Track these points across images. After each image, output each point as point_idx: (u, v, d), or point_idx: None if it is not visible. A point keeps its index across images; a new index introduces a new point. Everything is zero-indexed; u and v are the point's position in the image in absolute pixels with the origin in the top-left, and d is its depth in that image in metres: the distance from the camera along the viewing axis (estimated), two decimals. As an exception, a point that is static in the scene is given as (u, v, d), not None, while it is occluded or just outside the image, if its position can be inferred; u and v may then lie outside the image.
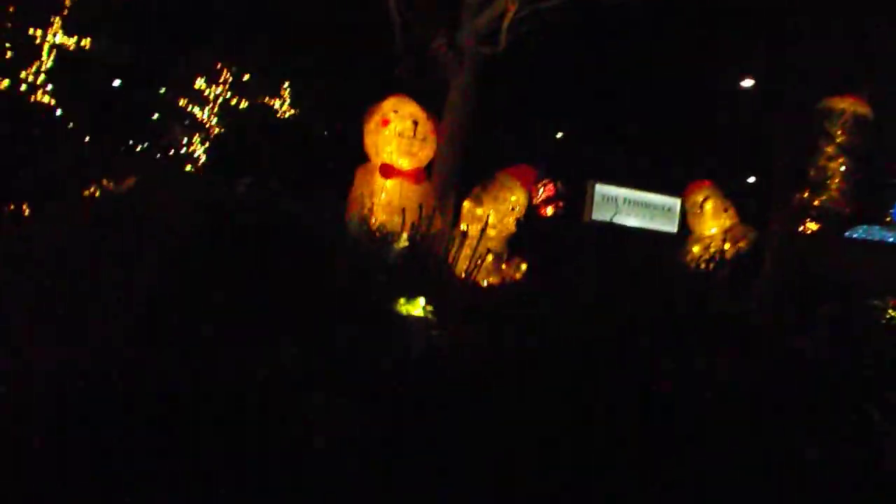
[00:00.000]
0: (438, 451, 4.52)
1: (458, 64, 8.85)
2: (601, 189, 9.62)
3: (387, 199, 8.14)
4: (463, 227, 8.74)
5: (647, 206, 9.97)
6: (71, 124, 15.25)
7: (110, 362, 4.14)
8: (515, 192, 8.81)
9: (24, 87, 17.19)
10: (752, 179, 15.10)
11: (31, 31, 16.98)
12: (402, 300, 6.12)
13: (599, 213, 9.59)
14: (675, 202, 10.22)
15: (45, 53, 17.60)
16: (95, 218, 5.57)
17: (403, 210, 7.82)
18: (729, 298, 9.75)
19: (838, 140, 10.68)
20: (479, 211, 8.66)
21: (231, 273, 5.66)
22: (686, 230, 10.80)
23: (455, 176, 8.99)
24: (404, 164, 8.23)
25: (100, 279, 4.94)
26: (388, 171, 8.20)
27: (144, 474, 3.58)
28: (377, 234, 6.59)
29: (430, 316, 6.19)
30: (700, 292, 9.17)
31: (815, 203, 10.56)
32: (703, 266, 9.67)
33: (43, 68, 17.48)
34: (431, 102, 9.41)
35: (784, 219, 10.80)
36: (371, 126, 8.26)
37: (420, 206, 8.14)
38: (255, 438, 4.04)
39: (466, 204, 8.63)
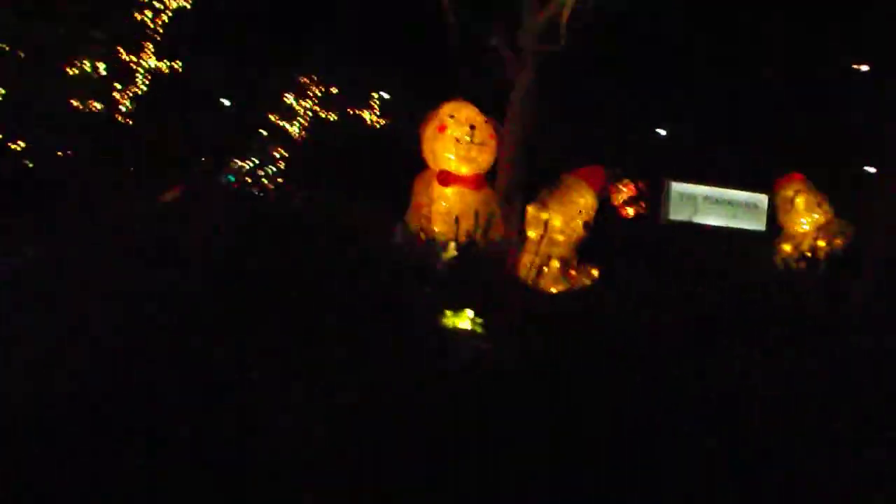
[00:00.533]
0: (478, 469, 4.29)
1: (519, 64, 8.54)
2: (678, 187, 9.08)
3: (446, 206, 7.93)
4: (529, 232, 8.42)
5: (730, 203, 9.35)
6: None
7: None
8: (583, 194, 8.41)
9: (121, 109, 18.03)
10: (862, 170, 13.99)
11: (123, 55, 17.81)
12: (448, 312, 5.90)
13: (677, 213, 9.05)
14: (762, 198, 9.56)
15: (139, 77, 18.43)
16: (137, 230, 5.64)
17: (457, 219, 7.64)
18: (823, 300, 9.07)
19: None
20: (545, 215, 8.30)
21: (269, 283, 5.60)
22: (778, 228, 10.06)
23: (520, 179, 8.67)
24: (463, 170, 8.01)
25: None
26: (446, 178, 8.00)
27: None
28: (426, 243, 6.38)
29: (477, 328, 5.95)
30: (789, 293, 8.57)
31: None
32: (794, 266, 9.00)
33: (136, 91, 18.31)
34: (494, 105, 9.19)
35: (890, 213, 9.89)
36: (428, 132, 8.08)
37: (478, 214, 7.97)
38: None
39: (530, 209, 8.30)
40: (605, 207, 11.45)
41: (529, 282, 8.66)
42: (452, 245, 6.27)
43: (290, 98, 22.93)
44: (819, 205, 9.73)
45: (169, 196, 6.46)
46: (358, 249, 5.99)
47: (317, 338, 5.25)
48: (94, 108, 16.67)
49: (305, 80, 22.71)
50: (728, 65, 12.75)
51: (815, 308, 8.74)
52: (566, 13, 8.13)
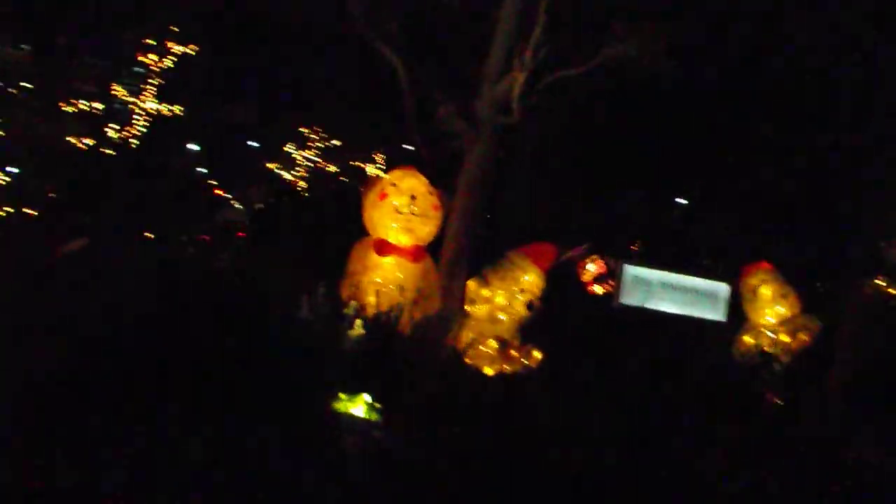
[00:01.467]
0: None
1: (475, 134, 8.36)
2: (632, 270, 8.76)
3: (381, 277, 7.68)
4: (469, 308, 8.13)
5: (687, 290, 8.99)
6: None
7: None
8: (528, 272, 8.13)
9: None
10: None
11: (120, 95, 18.02)
12: (343, 396, 5.60)
13: (630, 297, 8.72)
14: (722, 287, 9.19)
15: (135, 118, 18.62)
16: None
17: (394, 289, 7.39)
18: (782, 400, 8.65)
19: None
20: (485, 292, 8.02)
21: (158, 346, 5.37)
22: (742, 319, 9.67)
23: (467, 253, 8.41)
24: (402, 240, 7.79)
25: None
26: (383, 247, 7.78)
27: None
28: (335, 317, 6.11)
29: (374, 415, 5.63)
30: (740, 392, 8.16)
31: (893, 291, 9.23)
32: (753, 360, 8.62)
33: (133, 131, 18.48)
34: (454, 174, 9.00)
35: (856, 309, 9.50)
36: (370, 199, 7.90)
37: (417, 287, 7.72)
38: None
39: (471, 284, 8.03)
40: (573, 284, 11.12)
41: (468, 360, 8.36)
42: (359, 322, 5.96)
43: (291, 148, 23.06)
44: (784, 296, 9.34)
45: (72, 246, 6.24)
46: (255, 322, 5.71)
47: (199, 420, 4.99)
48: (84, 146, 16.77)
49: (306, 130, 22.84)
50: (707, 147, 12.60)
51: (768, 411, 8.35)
52: (517, 86, 7.95)
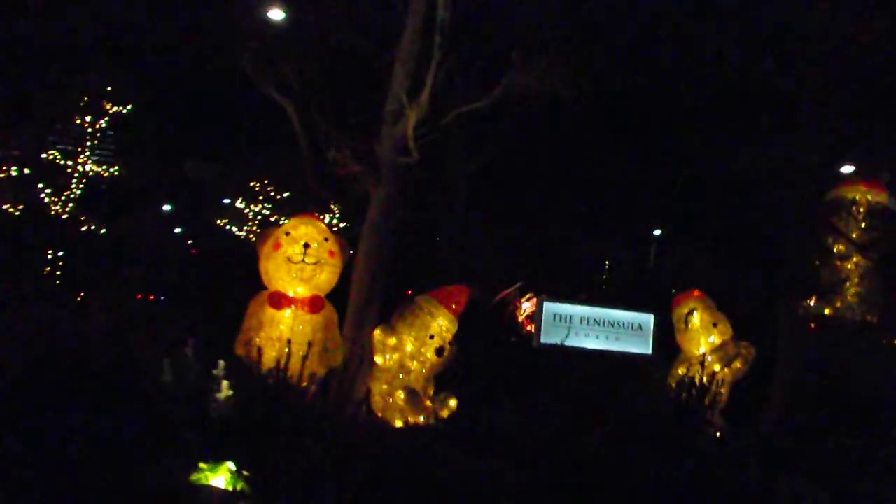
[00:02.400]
0: None
1: (376, 177, 8.07)
2: (551, 307, 8.41)
3: (277, 332, 7.29)
4: (376, 358, 7.74)
5: (611, 324, 8.63)
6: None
7: None
8: (438, 317, 7.78)
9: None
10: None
11: (58, 159, 17.70)
12: (203, 466, 5.17)
13: (550, 335, 8.35)
14: (647, 318, 8.84)
15: (74, 181, 18.27)
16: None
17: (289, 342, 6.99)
18: (713, 435, 8.27)
19: (852, 235, 9.10)
20: (392, 340, 7.65)
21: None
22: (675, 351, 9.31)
23: (375, 300, 8.05)
24: (299, 291, 7.42)
25: None
26: (279, 300, 7.40)
27: None
28: (200, 378, 5.70)
29: (240, 485, 5.20)
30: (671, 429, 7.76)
31: (826, 312, 8.92)
32: (683, 394, 8.24)
33: (72, 195, 18.10)
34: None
35: (790, 332, 9.18)
36: (264, 250, 7.54)
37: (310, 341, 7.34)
38: None
39: (377, 333, 7.67)
40: (506, 324, 10.76)
41: (378, 413, 7.95)
42: (226, 384, 5.55)
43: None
44: (715, 325, 9.01)
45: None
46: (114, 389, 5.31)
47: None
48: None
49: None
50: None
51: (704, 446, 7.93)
52: (410, 126, 7.69)
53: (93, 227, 17.69)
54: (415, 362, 7.80)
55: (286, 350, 6.99)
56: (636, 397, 7.99)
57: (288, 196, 22.85)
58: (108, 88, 18.26)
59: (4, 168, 16.27)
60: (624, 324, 8.68)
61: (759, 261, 10.73)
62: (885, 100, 9.00)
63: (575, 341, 8.44)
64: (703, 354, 8.97)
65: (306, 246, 7.37)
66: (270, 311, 7.39)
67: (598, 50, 8.27)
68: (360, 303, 8.05)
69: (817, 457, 7.58)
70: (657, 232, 18.94)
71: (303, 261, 7.34)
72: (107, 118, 18.74)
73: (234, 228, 22.47)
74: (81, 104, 18.64)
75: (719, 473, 7.13)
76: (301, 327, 7.38)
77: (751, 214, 10.77)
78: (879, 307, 9.20)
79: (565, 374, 8.20)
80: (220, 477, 5.12)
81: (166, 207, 23.16)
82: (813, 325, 9.15)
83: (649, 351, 8.84)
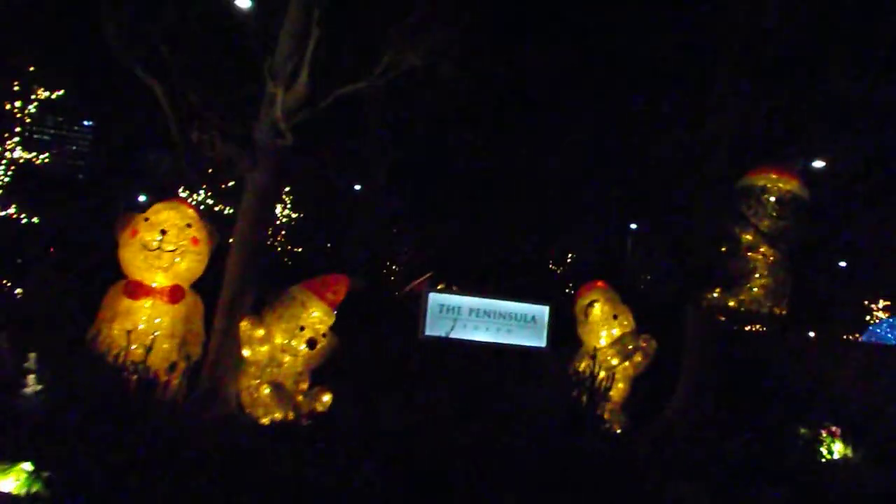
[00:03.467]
0: None
1: (251, 160, 7.71)
2: (437, 298, 8.10)
3: (131, 323, 6.95)
4: (244, 351, 7.40)
5: (503, 316, 8.34)
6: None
7: None
8: (311, 308, 7.45)
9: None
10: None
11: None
12: (-5, 466, 4.83)
13: (437, 328, 8.04)
14: (541, 310, 8.54)
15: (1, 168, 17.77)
16: None
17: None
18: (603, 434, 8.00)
19: (761, 225, 8.83)
20: (259, 332, 7.31)
21: None
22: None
23: (250, 289, 7.70)
24: (158, 279, 7.08)
25: None
26: (135, 289, 7.08)
27: None
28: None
29: (37, 486, 4.86)
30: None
31: (731, 304, 8.65)
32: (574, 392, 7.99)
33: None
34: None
35: (696, 324, 8.92)
36: (123, 238, 7.20)
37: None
38: None
39: (243, 324, 7.32)
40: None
41: (246, 409, 7.62)
42: (32, 378, 5.21)
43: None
44: (615, 317, 8.74)
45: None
46: None
47: None
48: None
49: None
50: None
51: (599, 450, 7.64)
52: (278, 108, 7.35)
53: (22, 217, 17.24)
54: (286, 355, 7.47)
55: (145, 342, 6.73)
56: (520, 392, 7.72)
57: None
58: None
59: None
60: (516, 315, 8.39)
61: (673, 250, 10.46)
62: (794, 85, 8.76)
63: (463, 334, 8.15)
64: (604, 347, 8.73)
65: (163, 232, 7.04)
66: (127, 301, 7.06)
67: (482, 26, 7.93)
68: (233, 293, 7.69)
69: (706, 458, 7.34)
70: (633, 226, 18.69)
71: (159, 248, 7.01)
72: (36, 104, 18.22)
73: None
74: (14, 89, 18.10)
75: (606, 474, 6.87)
76: (160, 319, 7.05)
77: (665, 203, 10.47)
78: (787, 300, 8.93)
79: (448, 368, 7.92)
80: (10, 479, 4.78)
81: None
82: (721, 318, 8.87)
83: (544, 344, 8.55)
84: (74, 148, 19.08)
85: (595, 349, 8.53)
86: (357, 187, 13.16)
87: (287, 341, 7.41)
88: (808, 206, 9.11)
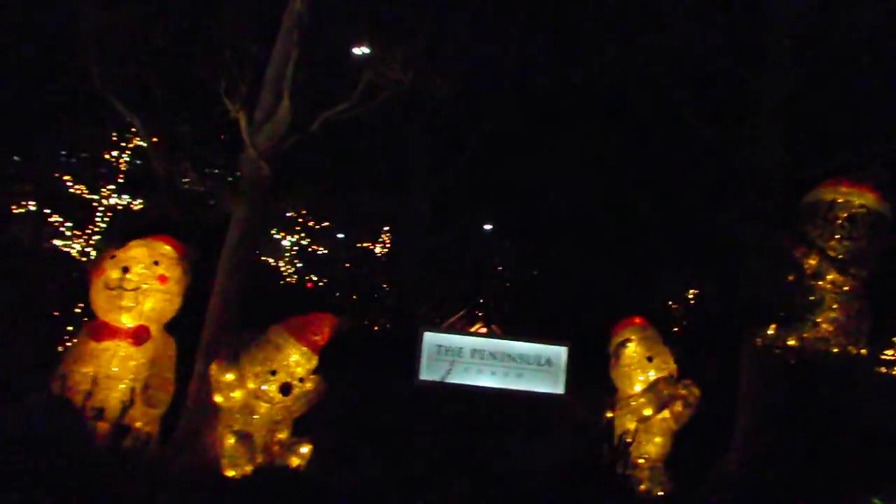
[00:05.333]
0: None
1: (232, 194, 7.43)
2: (434, 338, 7.36)
3: (94, 367, 6.71)
4: (215, 398, 6.99)
5: (511, 358, 7.46)
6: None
7: None
8: (288, 351, 6.95)
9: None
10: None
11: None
12: None
13: (434, 371, 7.31)
14: (557, 351, 7.61)
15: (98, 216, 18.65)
16: None
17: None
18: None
19: (828, 247, 7.58)
20: (229, 377, 6.88)
21: None
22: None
23: (229, 329, 7.35)
24: (123, 320, 6.83)
25: None
26: (97, 331, 6.87)
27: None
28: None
29: None
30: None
31: (791, 342, 7.39)
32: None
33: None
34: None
35: (751, 368, 7.70)
36: (93, 277, 7.02)
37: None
38: None
39: (212, 368, 6.93)
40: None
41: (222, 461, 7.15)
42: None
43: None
44: (650, 359, 7.65)
45: None
46: None
47: None
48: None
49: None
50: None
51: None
52: (244, 131, 7.03)
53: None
54: (261, 402, 6.98)
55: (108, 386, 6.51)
56: (523, 446, 6.87)
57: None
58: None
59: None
60: (528, 358, 7.50)
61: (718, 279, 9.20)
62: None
63: (465, 378, 7.36)
64: (637, 394, 7.67)
65: (125, 269, 6.80)
66: (92, 343, 6.84)
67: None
68: (212, 335, 7.35)
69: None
70: None
71: (119, 286, 6.77)
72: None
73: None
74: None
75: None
76: (123, 362, 6.78)
77: (709, 223, 9.24)
78: (865, 336, 7.53)
79: (442, 418, 7.18)
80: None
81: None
82: (785, 359, 7.59)
83: (561, 390, 7.60)
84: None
85: (627, 395, 7.51)
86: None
87: (258, 386, 6.93)
88: (889, 223, 7.72)
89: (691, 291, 12.03)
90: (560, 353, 7.65)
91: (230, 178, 7.57)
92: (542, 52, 8.51)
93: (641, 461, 7.50)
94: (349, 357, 7.90)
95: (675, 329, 11.32)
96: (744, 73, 8.07)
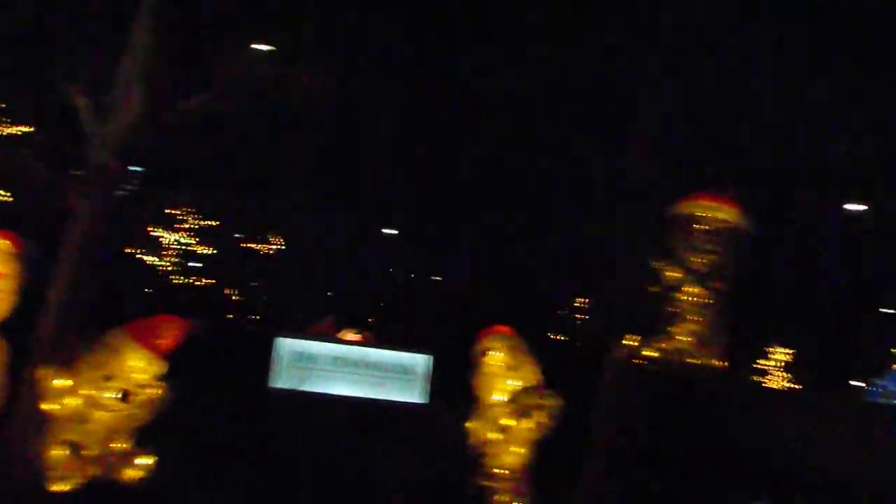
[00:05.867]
0: None
1: (79, 187, 6.97)
2: (290, 345, 7.12)
3: None
4: (45, 406, 6.53)
5: (371, 366, 7.28)
6: None
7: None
8: (125, 354, 6.53)
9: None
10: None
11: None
12: None
13: (288, 379, 7.06)
14: (417, 360, 7.47)
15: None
16: None
17: None
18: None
19: (689, 260, 7.68)
20: (60, 383, 6.43)
21: None
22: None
23: (74, 328, 6.90)
24: (-56, 321, 6.30)
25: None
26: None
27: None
28: None
29: None
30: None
31: (650, 353, 7.45)
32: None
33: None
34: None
35: (610, 379, 7.74)
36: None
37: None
38: None
39: (40, 373, 6.46)
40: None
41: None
42: None
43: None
44: (514, 368, 7.58)
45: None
46: None
47: None
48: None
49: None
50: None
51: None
52: (83, 117, 6.62)
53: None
54: (97, 410, 6.56)
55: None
56: (379, 459, 6.68)
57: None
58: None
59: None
60: (388, 366, 7.32)
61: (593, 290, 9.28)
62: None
63: (320, 386, 7.12)
64: (501, 403, 7.58)
65: (-59, 268, 6.28)
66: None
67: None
68: (49, 337, 6.87)
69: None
70: None
71: (-62, 285, 6.24)
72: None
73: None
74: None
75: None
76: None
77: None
78: (724, 349, 7.67)
79: (297, 427, 6.92)
80: None
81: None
82: (643, 370, 7.66)
83: (421, 399, 7.45)
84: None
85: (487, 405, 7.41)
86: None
87: (93, 392, 6.51)
88: (749, 238, 7.91)
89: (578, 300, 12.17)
90: (419, 361, 7.50)
91: (78, 171, 7.09)
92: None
93: (501, 472, 7.41)
94: (212, 363, 7.58)
95: (556, 338, 11.38)
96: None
